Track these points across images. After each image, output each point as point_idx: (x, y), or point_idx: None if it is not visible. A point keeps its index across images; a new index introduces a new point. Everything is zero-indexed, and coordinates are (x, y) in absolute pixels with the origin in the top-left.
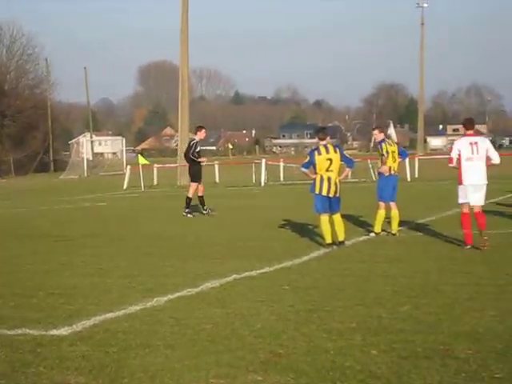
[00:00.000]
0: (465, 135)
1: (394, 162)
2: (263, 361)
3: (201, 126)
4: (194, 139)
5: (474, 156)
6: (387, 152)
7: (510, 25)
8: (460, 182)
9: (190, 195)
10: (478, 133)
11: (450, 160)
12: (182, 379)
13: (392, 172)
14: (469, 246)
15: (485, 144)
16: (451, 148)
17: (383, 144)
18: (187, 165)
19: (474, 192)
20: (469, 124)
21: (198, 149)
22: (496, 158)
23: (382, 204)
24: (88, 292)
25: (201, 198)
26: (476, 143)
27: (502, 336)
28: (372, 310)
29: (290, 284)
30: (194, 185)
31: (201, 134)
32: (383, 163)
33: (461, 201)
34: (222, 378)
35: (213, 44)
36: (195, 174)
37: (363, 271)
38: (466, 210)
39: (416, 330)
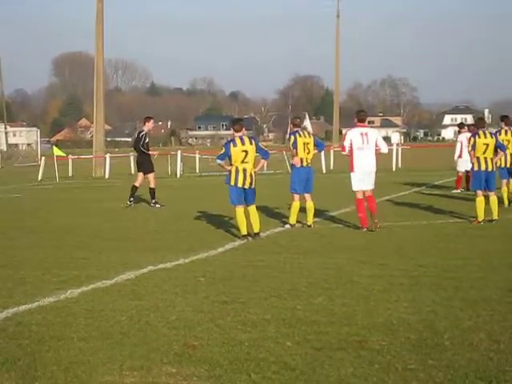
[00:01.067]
0: (356, 126)
1: (308, 153)
2: (178, 352)
3: (149, 117)
4: (143, 130)
5: (364, 145)
6: (294, 144)
7: (424, 20)
8: (352, 170)
9: (152, 185)
10: (370, 124)
11: (343, 148)
12: (96, 372)
13: (304, 164)
14: (365, 229)
15: (374, 135)
16: (344, 137)
17: (292, 136)
18: (103, 157)
19: (364, 178)
20: (360, 116)
21: (147, 140)
22: (384, 148)
23: (295, 196)
24: (0, 284)
25: (152, 190)
26: (366, 134)
27: (416, 327)
28: (287, 302)
29: (206, 276)
30: (150, 176)
31: (149, 125)
32: (294, 155)
33: (355, 188)
34: (135, 370)
35: (128, 34)
36: (146, 165)
37: (278, 263)
38: (359, 195)
39: (330, 322)
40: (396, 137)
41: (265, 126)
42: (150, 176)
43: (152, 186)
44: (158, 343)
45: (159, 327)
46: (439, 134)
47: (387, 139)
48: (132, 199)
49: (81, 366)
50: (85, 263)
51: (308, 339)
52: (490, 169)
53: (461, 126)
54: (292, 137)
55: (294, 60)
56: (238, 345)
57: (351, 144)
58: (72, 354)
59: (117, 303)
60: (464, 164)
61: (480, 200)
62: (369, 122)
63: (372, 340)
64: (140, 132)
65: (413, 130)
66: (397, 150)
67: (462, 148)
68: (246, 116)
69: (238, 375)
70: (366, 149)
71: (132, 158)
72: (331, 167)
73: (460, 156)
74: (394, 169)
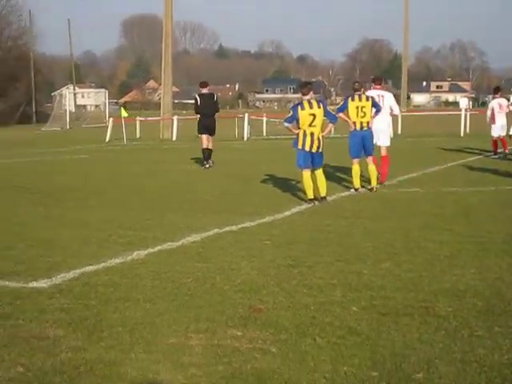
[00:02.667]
0: (373, 88)
1: (363, 117)
2: (243, 316)
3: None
4: (214, 93)
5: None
6: (340, 108)
7: None
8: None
9: (212, 147)
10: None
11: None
12: (161, 333)
13: (358, 127)
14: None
15: (389, 98)
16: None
17: (346, 100)
18: (170, 119)
19: (379, 135)
20: (377, 80)
21: None
22: (396, 110)
23: (354, 159)
24: (67, 244)
25: (210, 152)
26: (383, 96)
27: (483, 294)
28: (353, 267)
29: (271, 239)
30: (211, 138)
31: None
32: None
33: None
34: (201, 333)
35: None
36: (215, 128)
37: (344, 227)
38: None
39: (396, 287)
40: (464, 102)
41: (332, 89)
42: (211, 139)
43: (211, 147)
44: (223, 306)
45: (225, 290)
46: (508, 99)
47: (455, 104)
48: (211, 161)
49: (146, 327)
50: (151, 225)
51: (374, 304)
52: None
53: (496, 90)
54: (342, 101)
55: (362, 23)
56: (304, 309)
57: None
58: (138, 316)
59: (183, 265)
60: (497, 130)
61: None
62: (437, 87)
63: (438, 306)
64: (213, 95)
65: (481, 95)
66: (465, 115)
67: (493, 113)
68: (313, 79)
69: (303, 339)
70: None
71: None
72: (399, 132)
73: (493, 122)
74: (462, 134)
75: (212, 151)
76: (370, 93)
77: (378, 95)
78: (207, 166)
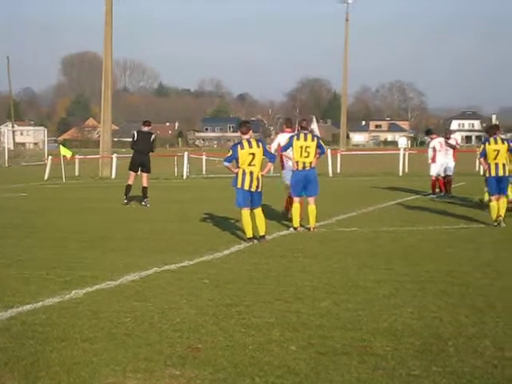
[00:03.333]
0: (285, 131)
1: (307, 157)
2: (181, 355)
3: (149, 121)
4: (152, 132)
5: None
6: (285, 147)
7: (432, 24)
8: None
9: (147, 184)
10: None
11: (271, 149)
12: (99, 373)
13: (300, 167)
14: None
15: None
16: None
17: (289, 138)
18: (109, 157)
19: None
20: (288, 123)
21: None
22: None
23: (295, 198)
24: (5, 283)
25: (145, 189)
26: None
27: (420, 333)
28: (291, 306)
29: (210, 278)
30: (147, 175)
31: (151, 128)
32: (287, 158)
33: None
34: (139, 372)
35: (137, 34)
36: (149, 165)
37: (283, 266)
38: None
39: (335, 326)
40: (403, 141)
41: (272, 128)
42: (147, 176)
43: (146, 184)
44: (161, 345)
45: (163, 329)
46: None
47: (394, 143)
48: (129, 198)
49: (84, 367)
50: (89, 264)
51: (312, 343)
52: (500, 174)
53: (429, 132)
54: (288, 139)
55: (301, 62)
56: (242, 348)
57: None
58: (75, 355)
59: (121, 304)
60: (437, 169)
61: (493, 205)
62: (376, 126)
63: (376, 345)
64: (150, 134)
65: (420, 134)
66: (404, 154)
67: (435, 153)
68: (253, 118)
69: (241, 379)
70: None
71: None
72: (338, 170)
73: (433, 161)
74: (400, 173)
75: (147, 188)
76: (281, 136)
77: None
78: (126, 202)
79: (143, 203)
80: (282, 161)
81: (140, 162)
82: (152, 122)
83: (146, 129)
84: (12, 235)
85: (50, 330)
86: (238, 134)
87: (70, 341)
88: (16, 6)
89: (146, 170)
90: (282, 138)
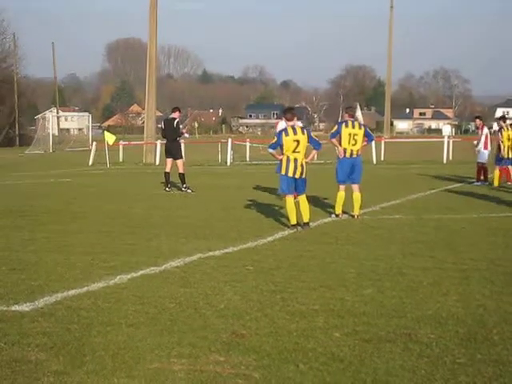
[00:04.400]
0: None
1: (354, 144)
2: (225, 341)
3: (178, 107)
4: (176, 118)
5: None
6: (333, 134)
7: (478, 12)
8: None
9: (183, 171)
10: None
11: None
12: (144, 358)
13: (348, 155)
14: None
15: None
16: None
17: (336, 125)
18: (153, 143)
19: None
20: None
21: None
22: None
23: (340, 185)
24: (50, 268)
25: (182, 175)
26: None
27: (465, 321)
28: (335, 293)
29: (254, 264)
30: (180, 161)
31: (180, 114)
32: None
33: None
34: (183, 358)
35: (181, 21)
36: (179, 152)
37: (327, 253)
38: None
39: (379, 314)
40: (447, 129)
41: (316, 115)
42: (180, 162)
43: (182, 171)
44: (206, 331)
45: (207, 315)
46: (491, 127)
47: (438, 131)
48: (169, 185)
49: (129, 351)
50: (134, 249)
51: (357, 330)
52: None
53: (503, 118)
54: (336, 126)
55: (346, 49)
56: (287, 335)
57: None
58: (120, 340)
59: (165, 290)
60: (485, 156)
61: None
62: (420, 114)
63: (421, 333)
64: (174, 120)
65: (464, 122)
66: (448, 142)
67: (487, 140)
68: (297, 105)
69: (285, 365)
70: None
71: (183, 146)
72: (382, 158)
73: (486, 147)
74: (444, 161)
75: (183, 174)
76: (281, 125)
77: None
78: (167, 189)
79: (183, 189)
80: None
81: (168, 149)
82: (195, 109)
83: (172, 115)
84: (57, 220)
85: (95, 314)
86: (283, 120)
87: (114, 326)
88: None
89: (175, 156)
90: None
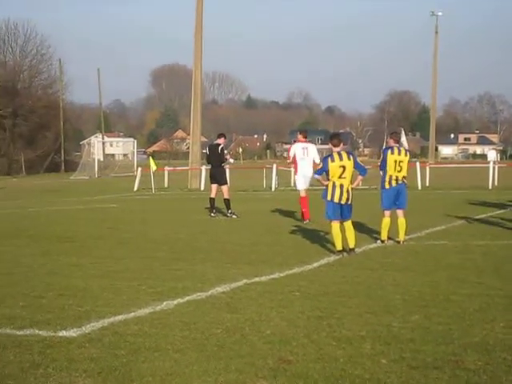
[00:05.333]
0: (299, 141)
1: (400, 171)
2: (272, 367)
3: (223, 134)
4: (220, 144)
5: (304, 157)
6: (382, 164)
7: None
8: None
9: (228, 196)
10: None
11: (289, 157)
12: None
13: (394, 184)
14: (307, 221)
15: (313, 149)
16: (289, 149)
17: (382, 153)
18: (198, 168)
19: (306, 180)
20: (303, 133)
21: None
22: (317, 160)
23: (385, 212)
24: (97, 294)
25: (227, 201)
26: (307, 148)
27: None
28: (382, 319)
29: (300, 290)
30: (224, 187)
31: (225, 141)
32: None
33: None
34: None
35: (226, 48)
36: (224, 177)
37: (373, 279)
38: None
39: (426, 340)
40: (492, 154)
41: (360, 141)
42: (225, 188)
43: (227, 196)
44: (252, 357)
45: (254, 341)
46: None
47: (483, 156)
48: (214, 211)
49: (176, 377)
50: (180, 275)
51: (403, 357)
52: None
53: None
54: (382, 154)
55: (390, 74)
56: (333, 361)
57: (295, 155)
58: (167, 366)
59: (212, 316)
60: None
61: None
62: (465, 139)
63: (468, 360)
64: (219, 145)
65: (510, 147)
66: (493, 167)
67: None
68: (341, 130)
69: None
70: (307, 159)
71: (228, 172)
72: (427, 183)
73: None
74: (490, 187)
75: (228, 200)
76: (296, 145)
77: (303, 148)
78: (213, 214)
79: (228, 215)
80: (295, 167)
81: (212, 175)
82: (240, 134)
83: (217, 141)
84: (103, 246)
85: (142, 340)
86: (328, 146)
87: (161, 351)
88: (107, 19)
89: (220, 181)
90: (296, 148)
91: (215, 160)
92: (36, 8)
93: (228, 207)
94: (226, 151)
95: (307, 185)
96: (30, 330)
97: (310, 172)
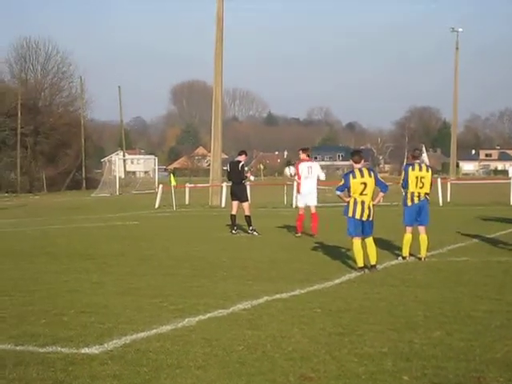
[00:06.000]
0: (302, 159)
1: (422, 187)
2: None
3: (245, 151)
4: (241, 161)
5: (309, 175)
6: (404, 181)
7: None
8: (298, 191)
9: (249, 213)
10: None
11: (299, 177)
12: None
13: (416, 201)
14: (299, 234)
15: (317, 167)
16: (297, 167)
17: (404, 170)
18: (219, 185)
19: (311, 197)
20: (305, 151)
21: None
22: (322, 177)
23: (407, 228)
24: (119, 311)
25: (248, 218)
26: (311, 167)
27: None
28: (403, 335)
29: (322, 307)
30: (245, 204)
31: (246, 158)
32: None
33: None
34: None
35: (246, 65)
36: (245, 194)
37: (395, 296)
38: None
39: (448, 357)
40: None
41: (381, 157)
42: (246, 204)
43: (248, 213)
44: (274, 374)
45: (276, 358)
46: None
47: (504, 172)
48: (236, 228)
49: None
50: (201, 292)
51: (425, 374)
52: None
53: None
54: (403, 171)
55: (410, 90)
56: (355, 378)
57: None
58: (189, 383)
59: (234, 332)
60: None
61: None
62: (486, 155)
63: (490, 376)
64: (239, 162)
65: None
66: None
67: None
68: (362, 147)
69: None
70: (310, 178)
71: (248, 188)
72: (448, 199)
73: None
74: (511, 203)
75: (249, 217)
76: (302, 165)
77: (308, 167)
78: (234, 231)
79: (249, 232)
80: (298, 184)
81: (233, 192)
82: (260, 151)
83: (238, 158)
84: (124, 263)
85: (164, 357)
86: (349, 162)
87: (183, 368)
88: (127, 36)
89: (241, 198)
90: (302, 167)
91: (236, 177)
92: (58, 24)
93: (249, 224)
94: (246, 168)
95: (314, 202)
96: (53, 348)
97: (314, 189)
